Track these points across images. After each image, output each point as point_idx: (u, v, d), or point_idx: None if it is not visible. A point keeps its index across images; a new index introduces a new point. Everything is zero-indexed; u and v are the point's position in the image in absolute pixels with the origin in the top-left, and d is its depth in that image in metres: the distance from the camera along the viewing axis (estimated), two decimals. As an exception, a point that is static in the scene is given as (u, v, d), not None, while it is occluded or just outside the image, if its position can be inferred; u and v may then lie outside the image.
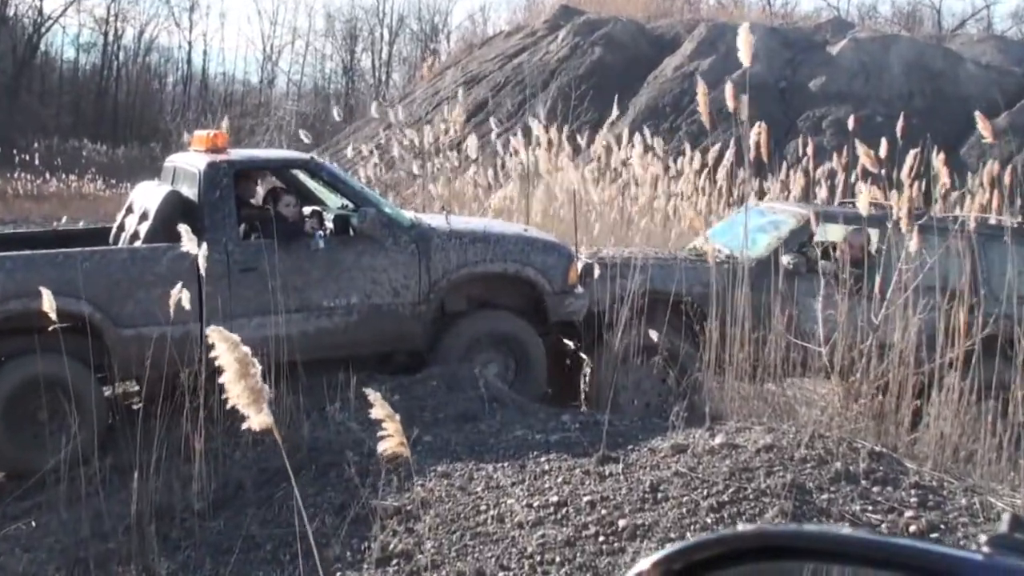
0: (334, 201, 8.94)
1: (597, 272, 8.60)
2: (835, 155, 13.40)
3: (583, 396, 8.50)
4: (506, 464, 6.07)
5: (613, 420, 6.65)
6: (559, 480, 5.72)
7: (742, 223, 8.50)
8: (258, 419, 3.18)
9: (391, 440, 3.57)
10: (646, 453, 6.03)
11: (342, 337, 8.00)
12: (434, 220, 8.75)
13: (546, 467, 5.94)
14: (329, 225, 8.42)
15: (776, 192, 13.86)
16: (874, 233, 8.73)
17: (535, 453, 6.20)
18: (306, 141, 16.70)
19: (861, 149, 7.36)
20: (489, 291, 8.70)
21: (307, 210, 8.67)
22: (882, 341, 6.86)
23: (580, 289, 8.72)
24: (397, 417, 3.57)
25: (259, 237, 7.93)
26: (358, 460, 6.13)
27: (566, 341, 8.42)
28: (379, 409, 3.55)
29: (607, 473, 5.74)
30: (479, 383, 7.62)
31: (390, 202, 9.54)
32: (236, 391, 3.18)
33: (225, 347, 3.18)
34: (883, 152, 8.28)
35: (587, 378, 7.53)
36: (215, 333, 3.20)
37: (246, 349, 3.20)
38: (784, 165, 15.13)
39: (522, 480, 5.78)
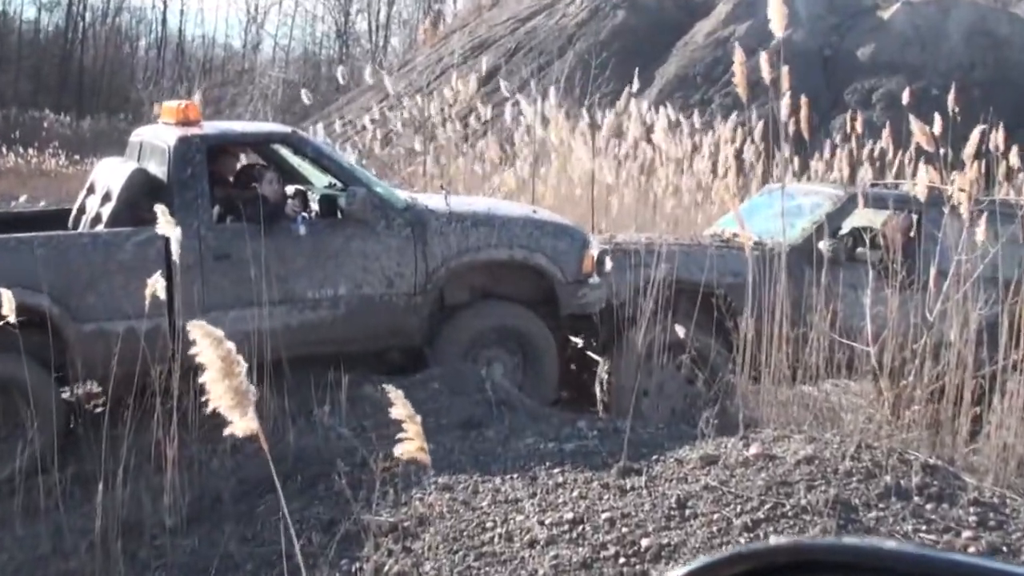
0: (320, 180, 8.98)
1: (611, 261, 8.70)
2: (885, 132, 13.37)
3: (600, 400, 8.45)
4: (515, 476, 6.11)
5: (635, 427, 6.69)
6: (575, 494, 5.75)
7: (766, 205, 8.49)
8: (242, 424, 3.20)
9: (410, 444, 3.65)
10: (672, 464, 6.07)
11: (329, 332, 8.03)
12: (432, 201, 8.77)
13: (560, 479, 5.97)
14: (314, 207, 8.48)
15: (821, 173, 13.82)
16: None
17: (548, 464, 6.23)
18: (307, 102, 16.65)
19: (915, 125, 7.37)
20: (494, 280, 8.74)
21: (290, 190, 8.70)
22: (938, 340, 6.91)
23: (596, 279, 8.76)
24: (419, 419, 3.65)
25: (235, 220, 7.96)
26: (349, 471, 6.17)
27: (572, 339, 8.51)
28: (400, 408, 3.64)
29: (628, 487, 5.77)
30: (485, 385, 7.66)
31: (384, 182, 9.54)
32: (218, 392, 3.20)
33: (208, 343, 3.21)
34: (939, 129, 8.29)
35: (603, 380, 7.52)
36: (196, 328, 3.23)
37: (231, 345, 3.22)
38: (828, 143, 15.08)
39: (533, 494, 5.81)
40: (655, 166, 13.63)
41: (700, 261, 8.70)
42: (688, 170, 13.53)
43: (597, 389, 8.11)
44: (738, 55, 7.41)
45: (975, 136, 7.87)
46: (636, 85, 13.93)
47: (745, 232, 7.79)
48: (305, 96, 16.38)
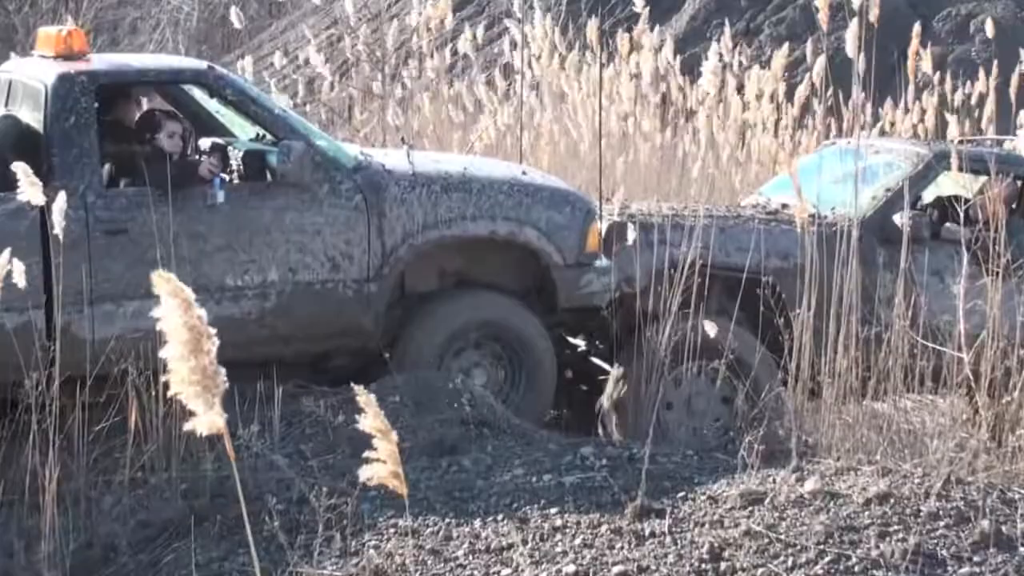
0: (246, 132, 8.93)
1: (631, 236, 8.67)
2: (984, 72, 13.37)
3: (611, 420, 8.41)
4: (500, 517, 6.09)
5: (656, 455, 6.69)
6: (577, 542, 5.73)
7: (827, 167, 8.71)
8: (207, 418, 3.25)
9: (380, 467, 3.70)
10: (704, 503, 6.07)
11: (256, 330, 8.03)
12: (391, 159, 8.73)
13: (558, 522, 5.97)
14: (236, 166, 8.39)
15: (899, 125, 13.84)
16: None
17: (542, 502, 6.22)
18: (237, 25, 16.49)
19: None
20: (471, 263, 8.73)
21: (204, 144, 8.66)
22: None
23: (604, 261, 8.72)
24: (394, 435, 3.71)
25: (133, 184, 7.95)
26: (284, 509, 6.16)
27: (573, 340, 8.54)
28: (371, 418, 3.71)
29: (647, 532, 5.79)
30: (461, 399, 7.67)
31: (328, 134, 9.56)
32: (183, 373, 3.23)
33: (175, 304, 3.22)
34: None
35: (614, 394, 7.55)
36: (161, 281, 3.23)
37: (202, 312, 3.26)
38: (911, 87, 15.04)
39: (524, 541, 5.79)
40: (685, 113, 13.71)
41: (741, 239, 8.76)
42: (724, 119, 13.59)
43: (606, 405, 8.03)
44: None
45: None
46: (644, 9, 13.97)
47: (800, 201, 7.85)
48: (235, 17, 16.18)
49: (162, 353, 3.24)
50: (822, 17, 7.26)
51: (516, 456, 7.02)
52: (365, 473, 3.71)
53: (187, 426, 3.27)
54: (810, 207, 8.44)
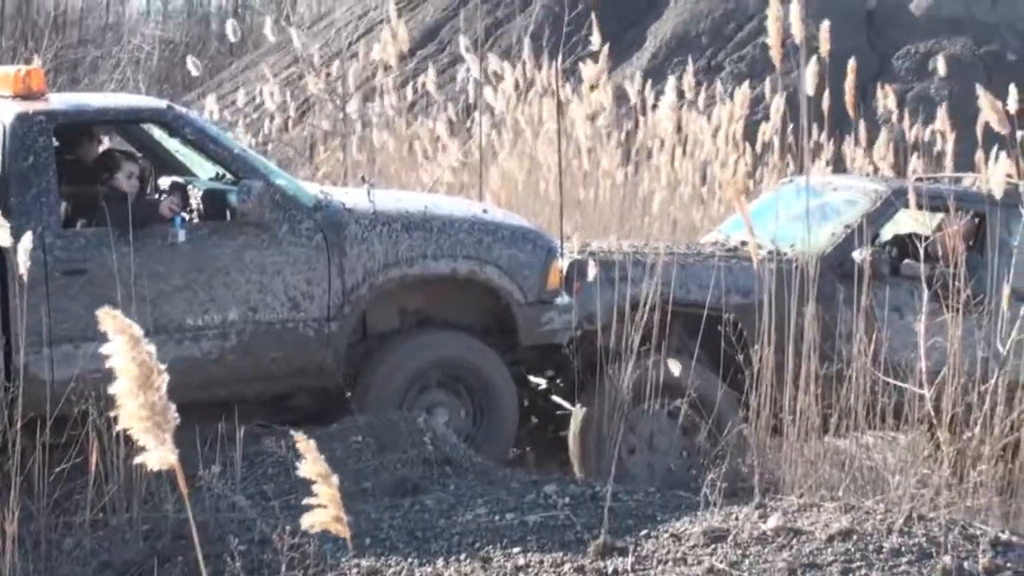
0: (206, 171, 8.91)
1: (592, 273, 8.64)
2: (942, 110, 13.49)
3: (574, 459, 8.63)
4: (463, 557, 6.11)
5: (619, 493, 6.72)
6: (541, 581, 5.68)
7: (787, 204, 8.79)
8: (159, 453, 3.26)
9: (321, 513, 3.63)
10: (667, 541, 6.09)
11: (216, 371, 8.06)
12: (351, 197, 8.76)
13: (521, 561, 5.99)
14: (196, 205, 8.40)
15: (858, 162, 13.95)
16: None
17: (505, 541, 6.24)
18: (195, 73, 16.47)
19: (984, 100, 7.43)
20: (432, 302, 8.76)
21: (164, 183, 8.67)
22: (1013, 379, 7.02)
23: (565, 298, 8.76)
24: (335, 479, 3.62)
25: (92, 224, 7.96)
26: (246, 550, 6.14)
27: (535, 379, 8.53)
28: (311, 464, 3.61)
29: (610, 570, 5.82)
30: (424, 437, 7.66)
31: (287, 173, 9.61)
32: (132, 408, 3.24)
33: (123, 341, 3.25)
34: (1015, 105, 8.40)
35: (576, 432, 7.57)
36: (108, 319, 3.26)
37: (151, 348, 3.29)
38: (864, 124, 15.10)
39: (487, 581, 5.68)
40: (647, 150, 13.77)
41: (701, 276, 8.78)
42: (686, 157, 13.68)
43: (570, 443, 8.44)
44: (773, 5, 7.43)
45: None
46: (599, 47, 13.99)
47: (756, 238, 7.88)
48: (192, 65, 16.19)
49: (111, 389, 3.26)
50: (775, 55, 7.26)
51: (479, 495, 7.01)
52: (306, 520, 3.62)
53: (137, 460, 3.29)
54: (769, 243, 8.64)
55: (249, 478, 7.21)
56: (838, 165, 14.24)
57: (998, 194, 7.61)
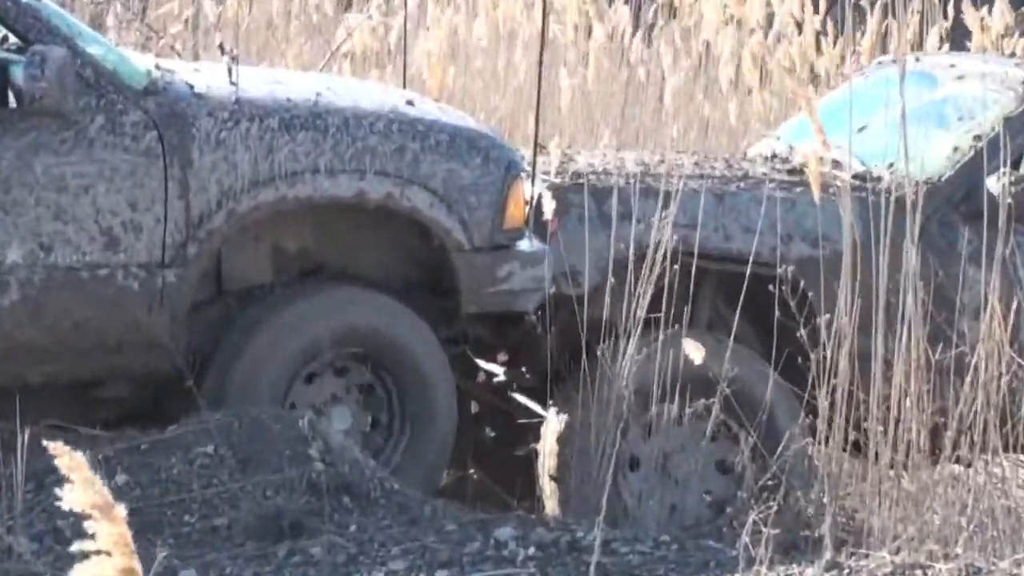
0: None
1: (577, 206, 7.60)
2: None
3: (544, 488, 7.61)
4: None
5: (614, 542, 6.10)
6: None
7: (876, 100, 7.77)
8: None
9: (103, 563, 2.79)
10: (686, 621, 5.64)
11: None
12: (205, 77, 7.49)
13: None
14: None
15: (991, 38, 12.48)
16: None
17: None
18: None
19: None
20: (326, 243, 7.57)
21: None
22: None
23: (534, 243, 7.53)
24: (121, 510, 2.74)
25: None
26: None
27: (486, 365, 7.74)
28: (81, 489, 2.78)
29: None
30: (310, 450, 6.70)
31: (109, 40, 8.80)
32: None
33: None
34: None
35: (549, 450, 6.88)
36: None
37: None
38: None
39: None
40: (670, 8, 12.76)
41: (745, 212, 7.68)
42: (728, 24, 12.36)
43: (538, 466, 7.65)
44: None
45: None
46: None
47: (832, 153, 7.06)
48: None
49: None
50: None
51: (394, 541, 6.25)
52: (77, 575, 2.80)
53: None
54: (854, 162, 7.73)
55: (35, 509, 6.26)
56: (958, 39, 12.65)
57: None
